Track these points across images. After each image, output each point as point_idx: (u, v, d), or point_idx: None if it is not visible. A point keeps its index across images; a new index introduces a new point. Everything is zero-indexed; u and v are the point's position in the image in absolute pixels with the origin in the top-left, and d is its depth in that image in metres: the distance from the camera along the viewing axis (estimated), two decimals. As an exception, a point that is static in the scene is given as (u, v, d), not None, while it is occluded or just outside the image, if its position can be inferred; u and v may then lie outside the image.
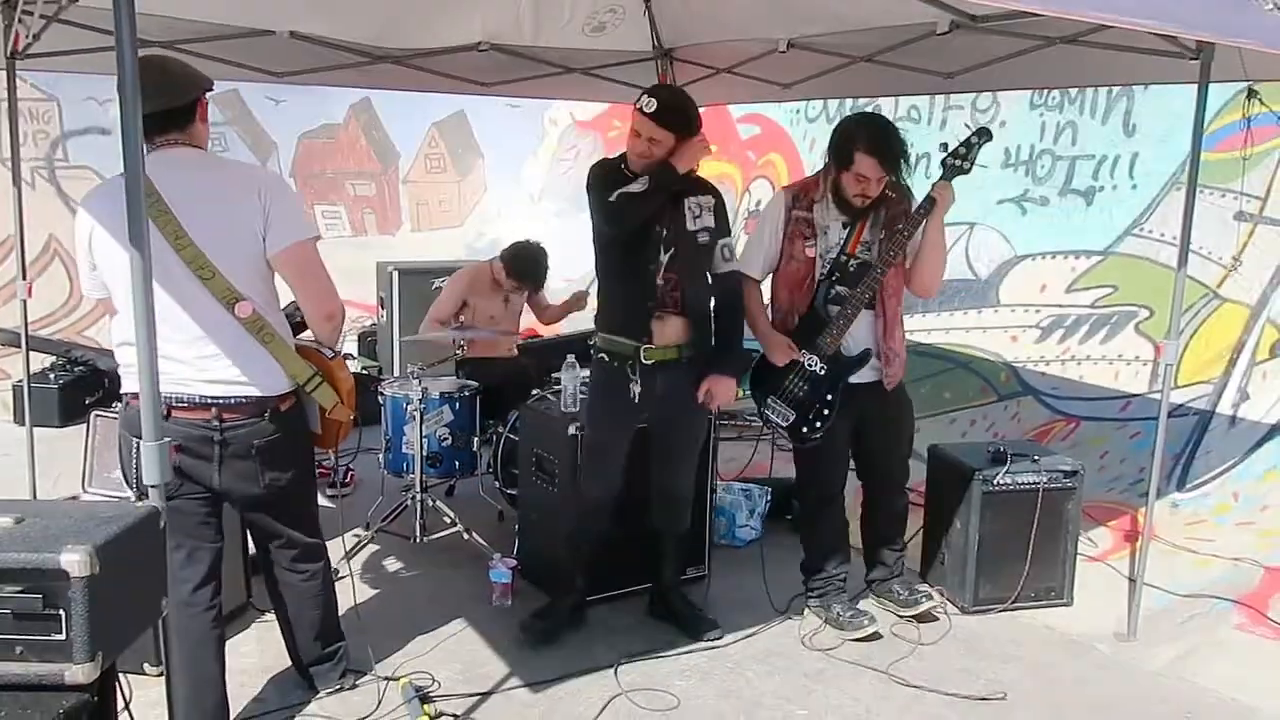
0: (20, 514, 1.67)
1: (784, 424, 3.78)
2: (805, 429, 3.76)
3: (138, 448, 2.71)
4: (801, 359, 3.74)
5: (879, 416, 3.90)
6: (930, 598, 4.05)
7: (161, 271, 2.44)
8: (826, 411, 3.74)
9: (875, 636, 3.90)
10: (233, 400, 2.83)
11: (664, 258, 3.54)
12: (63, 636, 1.57)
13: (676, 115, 3.47)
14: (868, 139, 3.56)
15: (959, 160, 3.68)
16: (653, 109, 3.43)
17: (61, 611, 1.56)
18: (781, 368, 3.76)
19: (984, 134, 3.68)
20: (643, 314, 3.55)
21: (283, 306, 3.00)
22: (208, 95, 2.91)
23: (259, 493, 2.95)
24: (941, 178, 3.68)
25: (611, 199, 3.44)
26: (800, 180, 3.97)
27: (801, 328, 3.76)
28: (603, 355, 3.66)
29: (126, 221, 2.09)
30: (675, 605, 4.00)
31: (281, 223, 2.83)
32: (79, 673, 1.56)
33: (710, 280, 3.67)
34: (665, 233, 3.54)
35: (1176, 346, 3.86)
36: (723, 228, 3.67)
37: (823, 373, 3.72)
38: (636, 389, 3.58)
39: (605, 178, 3.54)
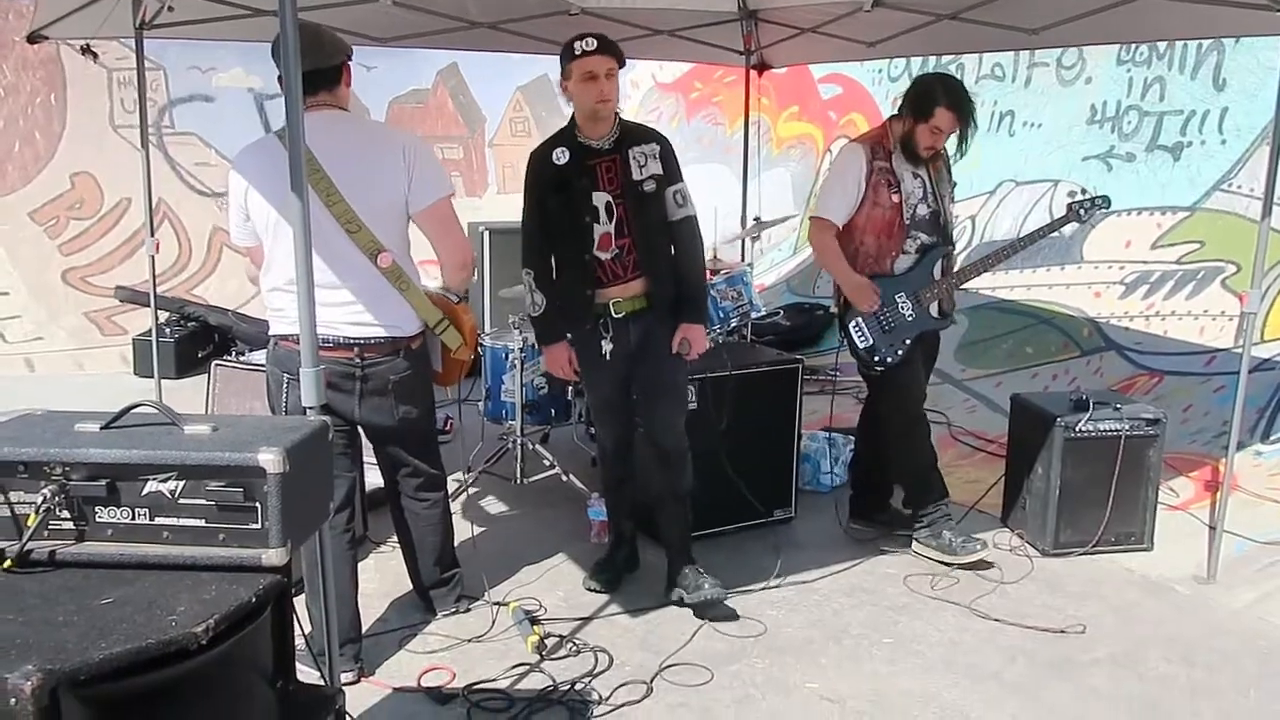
0: (215, 424, 1.93)
1: (860, 345, 4.00)
2: (876, 358, 4.00)
3: (286, 383, 3.01)
4: (897, 302, 3.96)
5: (932, 353, 4.30)
6: (985, 545, 4.07)
7: (313, 225, 2.65)
8: (900, 352, 4.00)
9: (986, 564, 4.06)
10: (372, 340, 3.09)
11: (610, 226, 3.49)
12: (258, 526, 1.83)
13: (612, 44, 3.42)
14: (948, 94, 3.84)
15: (1080, 210, 4.07)
16: (594, 46, 3.35)
17: (258, 504, 1.82)
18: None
19: (1107, 201, 4.15)
20: (591, 279, 3.53)
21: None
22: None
23: (392, 425, 3.22)
24: (1063, 217, 4.13)
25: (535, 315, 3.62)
26: (869, 133, 4.17)
27: (900, 272, 4.00)
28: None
29: (280, 177, 2.34)
30: (682, 582, 3.75)
31: (425, 181, 3.08)
32: (274, 556, 1.83)
33: (667, 228, 3.58)
34: (611, 197, 3.48)
35: (1259, 295, 3.91)
36: (672, 174, 3.56)
37: (910, 319, 3.95)
38: (608, 346, 3.58)
39: (540, 174, 3.53)
